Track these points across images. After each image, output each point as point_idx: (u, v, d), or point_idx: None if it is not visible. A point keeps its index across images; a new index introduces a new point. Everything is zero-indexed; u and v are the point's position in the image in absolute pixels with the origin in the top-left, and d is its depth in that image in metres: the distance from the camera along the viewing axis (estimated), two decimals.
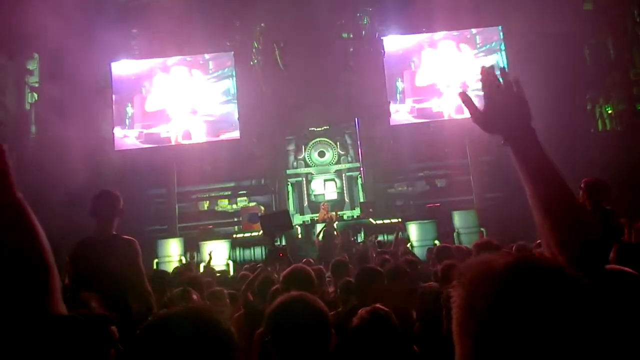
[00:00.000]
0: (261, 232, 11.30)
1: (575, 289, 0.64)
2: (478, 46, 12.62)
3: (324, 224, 10.38)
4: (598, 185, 4.14)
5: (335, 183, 14.19)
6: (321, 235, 9.90)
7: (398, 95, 12.28)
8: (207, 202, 14.45)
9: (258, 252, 10.88)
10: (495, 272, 0.66)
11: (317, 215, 12.45)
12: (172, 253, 11.21)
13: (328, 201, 13.58)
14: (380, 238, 10.13)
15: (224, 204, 14.40)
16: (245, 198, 14.27)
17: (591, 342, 0.61)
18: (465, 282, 0.68)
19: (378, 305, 2.28)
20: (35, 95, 12.74)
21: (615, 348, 0.65)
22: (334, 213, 12.14)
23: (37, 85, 12.76)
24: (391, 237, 10.82)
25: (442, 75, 12.39)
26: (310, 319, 1.47)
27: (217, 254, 10.85)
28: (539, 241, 4.90)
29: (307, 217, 13.19)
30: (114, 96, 12.54)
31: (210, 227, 12.45)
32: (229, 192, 14.29)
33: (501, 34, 12.52)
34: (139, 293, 3.03)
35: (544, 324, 0.60)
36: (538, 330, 0.60)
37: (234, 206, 14.22)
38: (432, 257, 5.60)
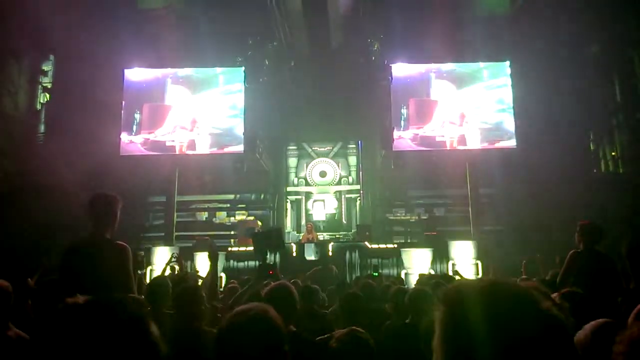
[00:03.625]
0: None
1: (532, 308, 0.70)
2: (485, 80, 12.78)
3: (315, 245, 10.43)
4: (592, 228, 4.37)
5: (334, 204, 14.23)
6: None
7: (402, 122, 12.40)
8: (206, 213, 14.50)
9: (252, 266, 10.84)
10: (466, 292, 0.74)
11: (318, 234, 12.50)
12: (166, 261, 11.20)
13: (326, 221, 13.62)
14: (375, 262, 10.12)
15: (222, 216, 14.45)
16: (244, 212, 14.32)
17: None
18: (444, 301, 0.76)
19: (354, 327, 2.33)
20: (47, 95, 12.93)
21: None
22: (317, 234, 12.15)
23: (49, 86, 12.97)
24: (387, 264, 10.82)
25: (448, 105, 12.53)
26: (259, 341, 1.40)
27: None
28: (524, 277, 4.93)
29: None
30: (123, 102, 12.72)
31: (207, 238, 12.46)
32: (228, 205, 14.34)
33: (509, 69, 12.68)
34: (121, 290, 3.01)
35: (501, 336, 0.67)
36: (496, 342, 0.67)
37: (232, 219, 14.26)
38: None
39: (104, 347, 0.81)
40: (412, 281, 8.75)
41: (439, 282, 4.15)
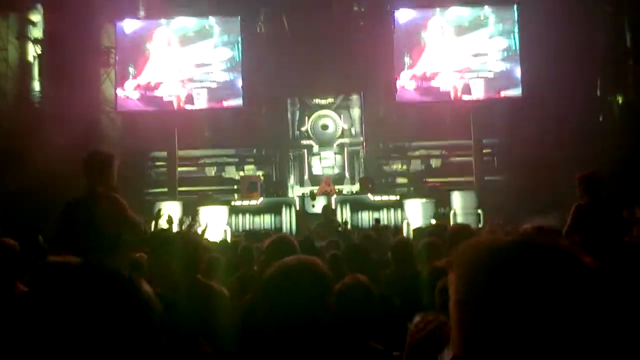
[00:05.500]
0: (260, 200, 11.40)
1: (574, 267, 0.62)
2: (491, 26, 12.33)
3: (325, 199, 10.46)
4: (592, 177, 4.22)
5: (337, 157, 14.14)
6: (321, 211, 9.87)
7: (405, 71, 12.09)
8: (207, 168, 14.48)
9: (256, 220, 10.92)
10: (494, 248, 0.65)
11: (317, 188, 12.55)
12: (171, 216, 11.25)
13: (332, 175, 13.59)
14: (377, 217, 10.14)
15: (224, 171, 14.44)
16: (246, 166, 14.29)
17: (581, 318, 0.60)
18: (464, 259, 0.67)
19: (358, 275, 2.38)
20: (39, 48, 12.55)
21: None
22: (335, 187, 12.17)
23: (40, 38, 12.57)
24: (390, 215, 10.88)
25: (452, 54, 12.17)
26: (305, 285, 1.39)
27: (214, 220, 10.89)
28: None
29: (307, 190, 13.20)
30: (117, 56, 12.41)
31: (210, 192, 12.49)
32: (229, 160, 14.30)
33: (516, 13, 12.21)
34: (134, 231, 3.21)
35: (537, 300, 0.59)
36: (532, 306, 0.59)
37: (234, 173, 14.26)
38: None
39: (92, 308, 0.80)
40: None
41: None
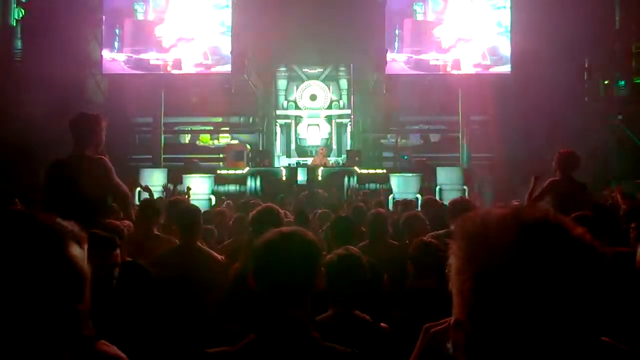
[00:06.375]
0: (246, 170, 11.34)
1: (576, 243, 0.64)
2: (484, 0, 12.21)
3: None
4: (569, 157, 4.46)
5: (324, 128, 14.08)
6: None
7: (396, 44, 11.96)
8: (192, 135, 14.30)
9: (241, 189, 10.89)
10: (496, 221, 0.66)
11: (307, 159, 12.56)
12: (155, 183, 11.12)
13: (315, 146, 13.56)
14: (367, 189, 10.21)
15: (209, 139, 14.29)
16: (230, 135, 14.15)
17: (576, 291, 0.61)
18: (464, 232, 0.68)
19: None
20: (22, 11, 12.14)
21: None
22: (329, 159, 12.18)
23: (24, 0, 12.14)
24: (375, 188, 10.96)
25: (443, 27, 12.05)
26: (297, 254, 1.41)
27: (199, 189, 10.83)
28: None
29: (293, 160, 13.18)
30: (103, 17, 11.99)
31: (195, 160, 12.38)
32: (214, 128, 14.13)
33: None
34: (118, 197, 3.33)
35: (538, 272, 0.61)
36: (532, 278, 0.61)
37: (219, 142, 14.12)
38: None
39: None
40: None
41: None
